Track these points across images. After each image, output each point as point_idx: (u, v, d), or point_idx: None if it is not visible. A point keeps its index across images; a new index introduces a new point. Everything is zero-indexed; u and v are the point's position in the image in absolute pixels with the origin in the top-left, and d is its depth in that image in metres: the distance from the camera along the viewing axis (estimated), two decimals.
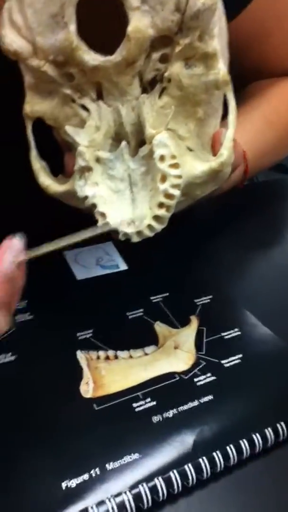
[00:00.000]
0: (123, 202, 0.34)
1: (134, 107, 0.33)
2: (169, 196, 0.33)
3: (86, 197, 0.34)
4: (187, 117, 0.35)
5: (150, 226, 0.33)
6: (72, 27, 0.31)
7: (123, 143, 0.34)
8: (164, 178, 0.32)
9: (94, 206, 0.34)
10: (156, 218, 0.33)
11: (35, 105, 0.35)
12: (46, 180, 0.37)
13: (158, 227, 0.34)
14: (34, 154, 0.37)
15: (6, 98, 0.39)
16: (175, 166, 0.33)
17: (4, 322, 0.29)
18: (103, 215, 0.34)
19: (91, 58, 0.32)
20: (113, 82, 0.33)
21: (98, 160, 0.34)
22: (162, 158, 0.32)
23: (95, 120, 0.34)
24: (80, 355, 0.37)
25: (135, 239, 0.34)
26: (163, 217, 0.33)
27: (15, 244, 0.29)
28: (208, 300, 0.43)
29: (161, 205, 0.33)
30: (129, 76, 0.32)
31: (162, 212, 0.33)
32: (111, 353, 0.37)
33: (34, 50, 0.33)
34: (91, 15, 0.32)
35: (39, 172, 0.37)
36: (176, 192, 0.33)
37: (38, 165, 0.37)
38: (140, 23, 0.31)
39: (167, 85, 0.34)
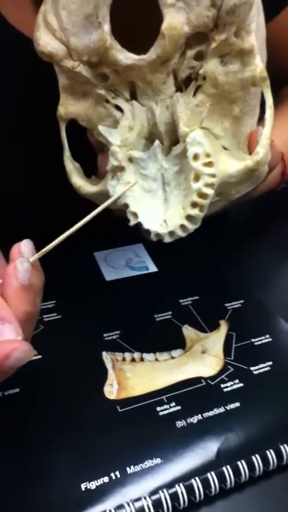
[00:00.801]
0: (156, 202, 0.34)
1: (168, 106, 0.33)
2: (202, 195, 0.32)
3: (120, 199, 0.33)
4: (223, 115, 0.34)
5: (182, 226, 0.32)
6: (106, 27, 0.31)
7: (156, 142, 0.33)
8: (197, 177, 0.32)
9: (126, 206, 0.33)
10: (189, 218, 0.32)
11: (69, 107, 0.35)
12: (78, 180, 0.36)
13: (191, 227, 0.33)
14: (67, 155, 0.36)
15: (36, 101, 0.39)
16: (209, 164, 0.32)
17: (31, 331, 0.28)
18: (135, 215, 0.33)
19: (125, 57, 0.31)
20: (147, 81, 0.32)
21: (130, 159, 0.33)
22: (195, 156, 0.32)
23: (129, 120, 0.33)
24: (106, 356, 0.36)
25: (167, 239, 0.33)
26: (196, 217, 0.32)
27: (24, 249, 0.28)
28: (239, 305, 0.42)
29: (194, 204, 0.32)
30: (163, 75, 0.32)
31: (195, 211, 0.32)
32: (137, 355, 0.37)
33: (68, 51, 0.33)
34: (125, 14, 0.32)
35: (72, 173, 0.36)
36: (210, 191, 0.32)
37: (71, 166, 0.36)
38: (175, 20, 0.30)
39: (202, 83, 0.33)
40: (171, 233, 0.33)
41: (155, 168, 0.34)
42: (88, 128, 0.36)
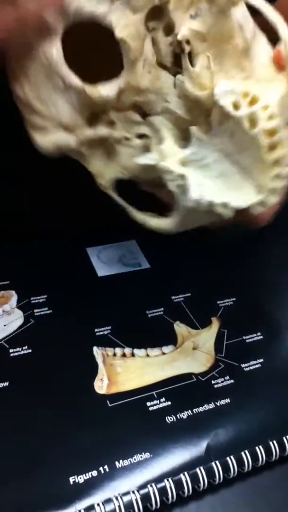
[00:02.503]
0: (236, 178, 0.31)
1: (180, 96, 0.31)
2: (271, 132, 0.28)
3: (200, 203, 0.30)
4: (230, 57, 0.30)
5: (272, 190, 0.30)
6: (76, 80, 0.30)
7: (193, 128, 0.30)
8: (253, 121, 0.28)
9: (210, 203, 0.30)
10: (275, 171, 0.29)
11: (105, 175, 0.34)
12: (158, 222, 0.34)
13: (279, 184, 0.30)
14: (133, 211, 0.35)
15: None
16: (253, 100, 0.28)
17: None
18: (225, 206, 0.30)
19: (109, 89, 0.30)
20: (144, 90, 0.31)
21: (184, 163, 0.31)
22: (235, 105, 0.28)
23: (155, 135, 0.32)
24: (97, 351, 0.36)
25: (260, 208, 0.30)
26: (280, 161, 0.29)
27: None
28: (231, 303, 0.42)
29: (272, 147, 0.28)
30: (153, 73, 0.31)
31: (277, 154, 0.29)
32: (127, 350, 0.36)
33: (68, 131, 0.32)
34: (83, 49, 0.31)
35: (149, 221, 0.35)
36: (275, 123, 0.28)
37: (142, 216, 0.35)
38: (122, 19, 0.28)
39: (189, 47, 0.30)
40: (262, 203, 0.30)
41: (209, 151, 0.31)
42: (135, 179, 0.34)
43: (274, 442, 0.30)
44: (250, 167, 0.30)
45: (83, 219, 0.48)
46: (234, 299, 0.42)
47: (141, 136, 0.32)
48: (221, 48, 0.30)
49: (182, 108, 0.31)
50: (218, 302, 0.42)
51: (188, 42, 0.30)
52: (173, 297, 0.42)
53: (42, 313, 0.39)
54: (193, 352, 0.37)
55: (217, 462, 0.29)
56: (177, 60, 0.31)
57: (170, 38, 0.30)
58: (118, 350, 0.36)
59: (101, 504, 0.27)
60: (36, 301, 0.40)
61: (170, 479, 0.28)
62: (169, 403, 0.32)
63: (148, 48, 0.30)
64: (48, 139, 0.33)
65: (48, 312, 0.40)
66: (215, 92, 0.29)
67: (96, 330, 0.38)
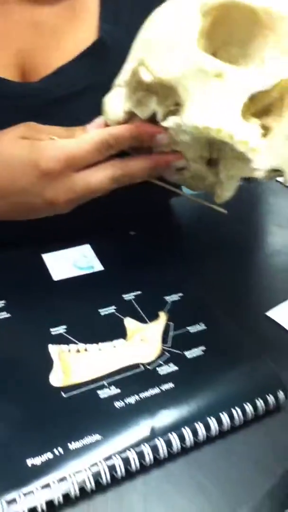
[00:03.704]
0: None
1: None
2: None
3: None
4: None
5: None
6: None
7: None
8: None
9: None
10: None
11: None
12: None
13: None
14: None
15: None
16: None
17: None
18: None
19: None
20: None
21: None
22: None
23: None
24: (52, 349, 0.39)
25: None
26: None
27: None
28: (178, 298, 0.45)
29: None
30: None
31: None
32: (81, 346, 0.40)
33: None
34: None
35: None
36: None
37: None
38: None
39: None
40: None
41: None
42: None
43: (212, 418, 0.34)
44: None
45: (39, 227, 0.51)
46: (181, 294, 0.46)
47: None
48: None
49: None
50: (166, 297, 0.45)
51: None
52: (124, 296, 0.45)
53: (1, 317, 0.42)
54: (141, 344, 0.40)
55: (160, 438, 0.32)
56: None
57: None
58: (72, 347, 0.39)
59: (56, 482, 0.30)
60: None
61: (118, 456, 0.31)
62: (119, 390, 0.36)
63: None
64: None
65: (7, 316, 0.42)
66: None
67: (51, 329, 0.41)
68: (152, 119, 0.40)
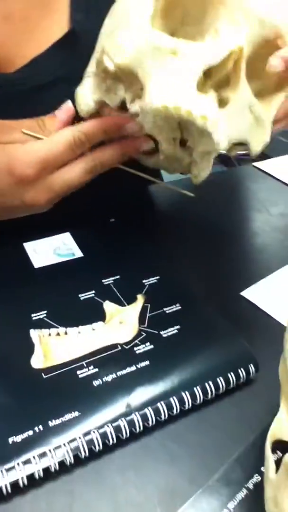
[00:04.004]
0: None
1: None
2: None
3: None
4: None
5: None
6: None
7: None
8: None
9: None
10: None
11: None
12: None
13: None
14: None
15: None
16: None
17: None
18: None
19: None
20: None
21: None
22: None
23: None
24: (33, 333, 0.40)
25: None
26: None
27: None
28: (155, 281, 0.47)
29: None
30: None
31: None
32: (61, 330, 0.41)
33: None
34: None
35: None
36: None
37: None
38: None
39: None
40: None
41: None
42: None
43: (187, 392, 0.36)
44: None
45: (20, 217, 0.52)
46: (158, 277, 0.47)
47: None
48: None
49: None
50: (144, 281, 0.47)
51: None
52: (103, 281, 0.47)
53: None
54: (119, 325, 0.42)
55: (137, 413, 0.34)
56: None
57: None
58: (52, 331, 0.41)
59: (37, 457, 0.31)
60: None
61: (96, 431, 0.33)
62: (97, 370, 0.37)
63: None
64: None
65: None
66: None
67: (33, 315, 0.42)
68: (123, 106, 0.41)
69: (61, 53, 0.49)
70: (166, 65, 0.35)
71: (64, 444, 0.32)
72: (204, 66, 0.35)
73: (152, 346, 0.39)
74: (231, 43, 0.35)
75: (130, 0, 0.37)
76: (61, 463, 0.32)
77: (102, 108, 0.42)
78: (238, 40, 0.35)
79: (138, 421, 0.34)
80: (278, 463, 0.27)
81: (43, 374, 0.37)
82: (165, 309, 0.43)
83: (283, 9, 0.37)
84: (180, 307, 0.43)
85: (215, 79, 0.37)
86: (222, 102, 0.37)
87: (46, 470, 0.31)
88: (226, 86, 0.37)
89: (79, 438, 0.32)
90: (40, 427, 0.33)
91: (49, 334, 0.41)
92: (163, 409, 0.35)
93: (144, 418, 0.34)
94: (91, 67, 0.42)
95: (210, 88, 0.37)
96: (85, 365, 0.38)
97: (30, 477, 0.31)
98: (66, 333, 0.41)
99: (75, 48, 0.49)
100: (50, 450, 0.32)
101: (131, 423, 0.34)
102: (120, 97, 0.40)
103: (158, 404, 0.35)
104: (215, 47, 0.35)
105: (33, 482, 0.31)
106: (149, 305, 0.44)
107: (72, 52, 0.49)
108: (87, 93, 0.42)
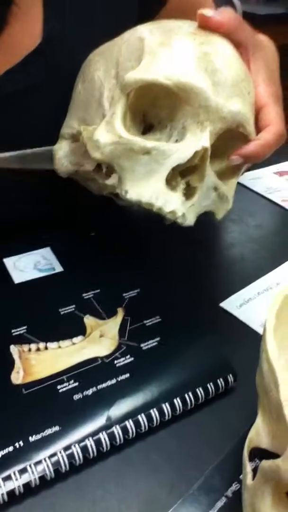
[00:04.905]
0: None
1: None
2: None
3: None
4: None
5: None
6: None
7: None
8: None
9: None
10: None
11: None
12: None
13: None
14: None
15: None
16: None
17: None
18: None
19: None
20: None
21: None
22: None
23: None
24: (13, 349, 0.41)
25: None
26: None
27: None
28: (135, 294, 0.47)
29: None
30: None
31: None
32: (41, 345, 0.41)
33: None
34: None
35: None
36: None
37: None
38: None
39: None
40: None
41: None
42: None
43: (167, 404, 0.36)
44: None
45: None
46: (137, 290, 0.48)
47: None
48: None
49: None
50: (124, 294, 0.47)
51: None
52: (84, 295, 0.47)
53: None
54: (100, 339, 0.42)
55: (117, 426, 0.34)
56: None
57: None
58: (32, 346, 0.41)
59: (17, 473, 0.31)
60: None
61: (76, 445, 0.33)
62: (77, 384, 0.37)
63: None
64: None
65: None
66: None
67: (13, 330, 0.42)
68: (100, 167, 0.43)
69: (33, 66, 0.49)
70: (140, 163, 0.39)
71: (45, 459, 0.32)
72: (173, 165, 0.39)
73: (132, 359, 0.40)
74: (197, 144, 0.39)
75: (102, 79, 0.42)
76: (42, 478, 0.32)
77: (79, 168, 0.44)
78: (203, 141, 0.39)
79: (118, 433, 0.34)
80: (255, 470, 0.27)
81: (23, 389, 0.37)
82: (145, 321, 0.44)
83: (243, 103, 0.41)
84: (160, 319, 0.44)
85: (182, 169, 0.40)
86: (189, 190, 0.41)
87: (27, 485, 0.31)
88: (192, 172, 0.41)
89: (60, 452, 0.33)
90: (21, 442, 0.33)
91: (29, 350, 0.41)
92: (143, 421, 0.35)
93: (125, 430, 0.34)
94: (66, 131, 0.45)
95: (178, 177, 0.41)
96: (65, 379, 0.38)
97: (11, 493, 0.31)
98: (46, 348, 0.41)
99: (49, 61, 0.49)
100: (30, 466, 0.32)
101: (111, 436, 0.34)
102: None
103: (139, 416, 0.35)
104: (183, 148, 0.39)
105: (13, 498, 0.31)
106: (129, 318, 0.44)
107: (45, 65, 0.49)
108: (66, 156, 0.45)
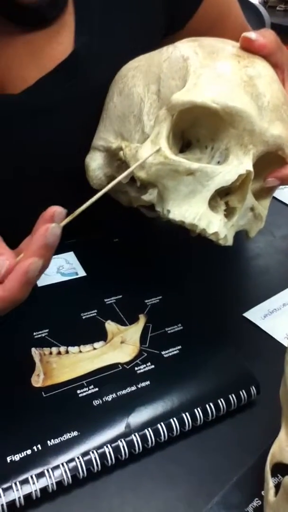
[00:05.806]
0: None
1: None
2: None
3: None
4: None
5: None
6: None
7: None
8: None
9: None
10: None
11: None
12: None
13: None
14: None
15: None
16: None
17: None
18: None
19: None
20: None
21: None
22: None
23: None
24: (35, 351, 0.41)
25: None
26: None
27: (58, 216, 0.33)
28: (157, 301, 0.47)
29: None
30: None
31: None
32: (62, 348, 0.41)
33: None
34: None
35: None
36: None
37: None
38: None
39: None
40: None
41: None
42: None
43: (187, 414, 0.35)
44: None
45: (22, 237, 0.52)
46: (160, 297, 0.47)
47: None
48: None
49: None
50: (146, 301, 0.47)
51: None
52: (105, 300, 0.47)
53: None
54: (120, 345, 0.41)
55: (136, 434, 0.34)
56: None
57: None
58: (54, 349, 0.41)
59: (34, 477, 0.31)
60: None
61: (95, 451, 0.33)
62: (97, 389, 0.37)
63: None
64: None
65: None
66: None
67: (34, 333, 0.42)
68: (134, 179, 0.43)
69: (64, 75, 0.50)
70: (183, 184, 0.38)
71: (62, 464, 0.32)
72: (217, 187, 0.39)
73: (153, 366, 0.39)
74: (240, 167, 0.38)
75: (142, 95, 0.42)
76: (59, 483, 0.31)
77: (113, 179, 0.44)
78: (247, 164, 0.39)
79: (137, 442, 0.34)
80: (278, 486, 0.27)
81: (43, 393, 0.37)
82: (166, 329, 0.43)
83: (284, 126, 0.41)
84: (182, 328, 0.43)
85: (224, 189, 0.40)
86: (229, 210, 0.41)
87: (44, 490, 0.31)
88: (231, 192, 0.41)
89: (78, 458, 0.32)
90: (39, 446, 0.33)
91: (50, 353, 0.41)
92: (163, 430, 0.34)
93: (144, 439, 0.34)
94: (100, 142, 0.45)
95: (217, 197, 0.40)
96: (85, 384, 0.37)
97: (27, 497, 0.31)
98: (67, 351, 0.41)
99: (79, 71, 0.50)
100: (48, 470, 0.31)
101: (130, 444, 0.33)
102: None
103: (158, 425, 0.34)
104: (226, 171, 0.39)
105: (30, 502, 0.31)
106: (150, 325, 0.44)
107: (76, 74, 0.50)
108: (99, 168, 0.46)
